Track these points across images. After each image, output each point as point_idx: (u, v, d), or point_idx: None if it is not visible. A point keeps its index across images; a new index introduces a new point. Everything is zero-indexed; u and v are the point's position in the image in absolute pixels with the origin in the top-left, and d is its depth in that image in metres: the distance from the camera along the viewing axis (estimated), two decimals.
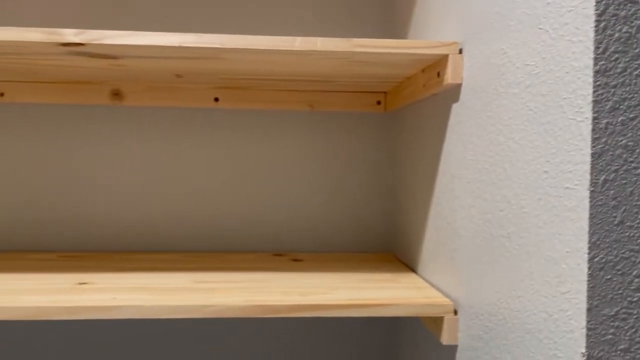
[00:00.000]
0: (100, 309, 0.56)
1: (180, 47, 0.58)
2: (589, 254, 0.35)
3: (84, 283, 0.66)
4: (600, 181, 0.35)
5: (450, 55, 0.58)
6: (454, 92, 0.60)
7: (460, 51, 0.59)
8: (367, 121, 0.92)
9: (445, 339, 0.59)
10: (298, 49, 0.57)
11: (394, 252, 0.90)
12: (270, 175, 0.91)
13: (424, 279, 0.72)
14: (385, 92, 0.90)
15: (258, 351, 0.91)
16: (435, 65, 0.63)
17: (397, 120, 0.89)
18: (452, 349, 0.61)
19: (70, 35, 0.56)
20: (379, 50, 0.59)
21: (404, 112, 0.84)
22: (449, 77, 0.58)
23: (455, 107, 0.60)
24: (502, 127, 0.48)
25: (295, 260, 0.84)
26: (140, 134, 0.89)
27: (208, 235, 0.90)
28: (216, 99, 0.88)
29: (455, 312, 0.59)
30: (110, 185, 0.89)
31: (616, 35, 0.35)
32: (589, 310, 0.35)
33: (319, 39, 0.58)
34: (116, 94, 0.87)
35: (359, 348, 0.92)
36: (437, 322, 0.61)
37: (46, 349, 0.88)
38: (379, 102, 0.90)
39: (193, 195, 0.90)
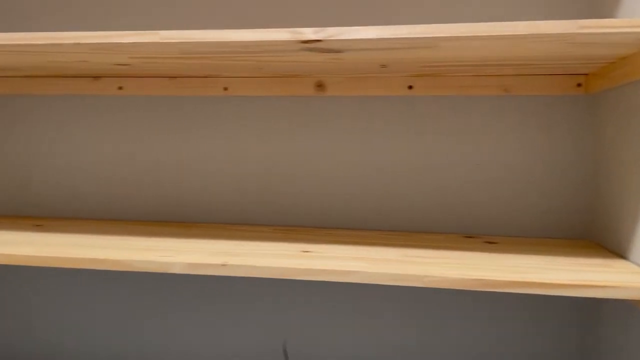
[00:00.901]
0: (336, 273, 0.64)
1: (405, 39, 0.63)
2: None
3: (308, 251, 0.75)
4: None
5: None
6: None
7: None
8: (565, 104, 0.90)
9: None
10: (522, 33, 0.59)
11: (593, 238, 0.88)
12: (463, 159, 0.94)
13: (638, 265, 0.70)
14: (586, 74, 0.87)
15: (455, 325, 0.94)
16: None
17: (601, 103, 0.86)
18: None
19: (310, 33, 0.64)
20: (605, 30, 0.58)
21: (611, 94, 0.81)
22: None
23: None
24: None
25: (489, 242, 0.86)
26: (340, 121, 0.97)
27: (399, 216, 0.96)
28: (410, 87, 0.93)
29: None
30: (314, 167, 0.98)
31: None
32: None
33: (542, 22, 0.59)
34: (319, 85, 0.96)
35: (560, 330, 0.91)
36: None
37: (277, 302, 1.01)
38: (579, 85, 0.87)
39: (386, 178, 0.96)
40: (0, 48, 0.73)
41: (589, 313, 0.90)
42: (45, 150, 1.06)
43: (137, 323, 1.04)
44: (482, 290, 0.67)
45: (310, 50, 0.70)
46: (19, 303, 1.08)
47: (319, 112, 0.98)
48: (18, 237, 0.84)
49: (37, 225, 0.95)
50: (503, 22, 0.60)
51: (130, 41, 0.68)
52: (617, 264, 0.70)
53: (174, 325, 1.03)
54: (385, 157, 0.96)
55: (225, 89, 0.99)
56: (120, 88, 1.02)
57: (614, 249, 0.78)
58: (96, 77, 1.02)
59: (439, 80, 0.92)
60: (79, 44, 0.69)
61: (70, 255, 0.71)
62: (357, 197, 0.97)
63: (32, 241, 0.80)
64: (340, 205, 0.98)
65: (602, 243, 0.84)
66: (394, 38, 0.63)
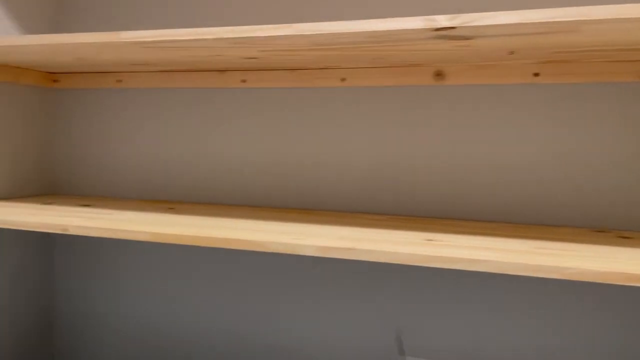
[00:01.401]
0: (466, 261, 0.64)
1: (546, 23, 0.61)
2: None
3: (431, 240, 0.76)
4: None
5: None
6: None
7: None
8: None
9: None
10: None
11: None
12: (592, 150, 0.89)
13: None
14: None
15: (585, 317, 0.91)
16: None
17: None
18: None
19: (444, 20, 0.64)
20: None
21: None
22: None
23: None
24: None
25: (623, 237, 0.81)
26: (460, 111, 0.96)
27: (524, 208, 0.93)
28: (536, 74, 0.90)
29: None
30: (433, 157, 0.98)
31: None
32: None
33: None
34: (439, 74, 0.95)
35: None
36: None
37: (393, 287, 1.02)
38: None
39: (509, 169, 0.94)
40: (147, 45, 0.80)
41: None
42: (172, 140, 1.15)
43: (250, 306, 1.10)
44: (626, 284, 0.64)
45: (440, 37, 0.70)
46: (155, 282, 1.18)
47: (437, 101, 0.97)
48: (156, 218, 0.91)
49: (170, 208, 1.03)
50: None
51: (268, 35, 0.72)
52: None
53: (284, 310, 1.08)
54: (509, 147, 0.94)
55: (343, 79, 1.01)
56: (243, 81, 1.07)
57: None
58: (222, 71, 1.09)
59: (567, 66, 0.88)
60: (220, 38, 0.74)
61: (209, 235, 0.76)
62: (479, 188, 0.96)
63: (169, 222, 0.87)
64: (460, 196, 0.97)
65: None
66: (534, 23, 0.61)
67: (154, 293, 1.18)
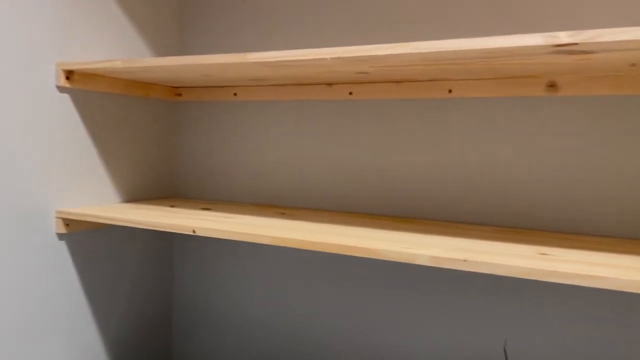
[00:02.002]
0: (584, 277, 0.64)
1: None
2: None
3: (545, 254, 0.76)
4: None
5: None
6: None
7: None
8: None
9: None
10: None
11: None
12: None
13: None
14: None
15: None
16: None
17: None
18: None
19: (565, 37, 0.65)
20: None
21: None
22: None
23: None
24: None
25: None
26: (573, 123, 0.94)
27: (635, 223, 0.90)
28: None
29: None
30: (548, 169, 0.97)
31: None
32: None
33: None
34: (551, 86, 0.94)
35: None
36: None
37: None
38: None
39: (621, 183, 0.91)
40: (270, 64, 0.87)
41: None
42: (283, 149, 1.22)
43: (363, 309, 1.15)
44: None
45: (559, 52, 0.70)
46: (270, 282, 1.26)
47: (550, 112, 0.96)
48: (272, 222, 0.98)
49: (281, 213, 1.10)
50: None
51: (384, 53, 0.76)
52: None
53: (394, 313, 1.11)
54: (629, 159, 0.91)
55: (450, 91, 1.03)
56: (350, 93, 1.12)
57: None
58: (330, 84, 1.14)
59: None
60: (339, 57, 0.79)
61: (326, 241, 0.81)
62: (591, 201, 0.94)
63: (285, 226, 0.93)
64: (573, 209, 0.95)
65: None
66: None
67: (270, 293, 1.26)
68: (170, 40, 1.31)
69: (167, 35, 1.30)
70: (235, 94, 1.25)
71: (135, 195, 1.24)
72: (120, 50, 1.17)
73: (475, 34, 1.02)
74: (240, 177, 1.28)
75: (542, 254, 0.76)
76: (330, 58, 0.80)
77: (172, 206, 1.18)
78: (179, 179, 1.35)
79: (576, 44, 0.65)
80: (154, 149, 1.29)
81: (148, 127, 1.26)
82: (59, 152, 1.06)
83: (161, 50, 1.28)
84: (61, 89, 1.06)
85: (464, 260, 0.71)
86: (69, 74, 1.06)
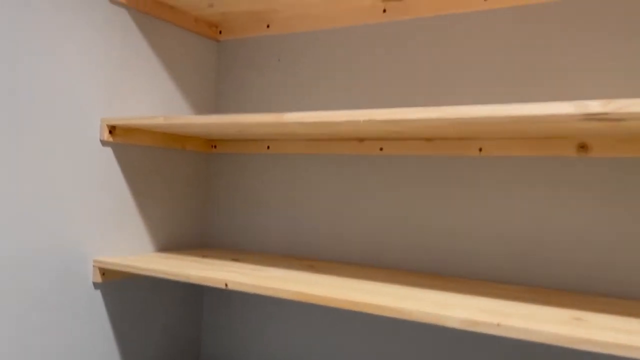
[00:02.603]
0: (623, 347, 0.63)
1: None
2: None
3: (579, 319, 0.75)
4: None
5: None
6: None
7: None
8: None
9: None
10: None
11: None
12: None
13: None
14: None
15: None
16: None
17: None
18: None
19: (597, 106, 0.66)
20: None
21: None
22: None
23: None
24: None
25: None
26: (604, 184, 0.94)
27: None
28: None
29: None
30: (578, 231, 0.97)
31: None
32: None
33: None
34: (582, 147, 0.95)
35: None
36: None
37: None
38: None
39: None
40: (305, 124, 0.90)
41: None
42: (313, 201, 1.24)
43: None
44: None
45: (590, 119, 0.71)
46: (284, 335, 1.26)
47: (580, 174, 0.96)
48: (298, 276, 0.99)
49: (310, 266, 1.11)
50: None
51: (416, 117, 0.78)
52: None
53: None
54: None
55: (480, 149, 1.04)
56: (381, 149, 1.15)
57: None
58: (361, 140, 1.17)
59: None
60: (371, 120, 0.82)
61: (352, 299, 0.82)
62: (624, 263, 0.92)
63: (311, 281, 0.94)
64: (605, 271, 0.94)
65: None
66: None
67: (295, 346, 1.25)
68: (207, 94, 1.36)
69: (204, 88, 1.35)
70: (268, 147, 1.29)
71: (169, 244, 1.27)
72: (159, 103, 1.23)
73: (500, 95, 1.04)
74: (271, 227, 1.30)
75: (576, 318, 0.75)
76: (363, 120, 0.83)
77: (204, 256, 1.21)
78: (212, 228, 1.38)
79: (607, 113, 0.66)
80: (188, 199, 1.32)
81: (183, 177, 1.31)
82: (99, 203, 1.10)
83: (198, 103, 1.33)
84: (104, 143, 1.11)
85: (498, 325, 0.71)
86: (112, 129, 1.11)
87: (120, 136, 1.12)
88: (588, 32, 0.97)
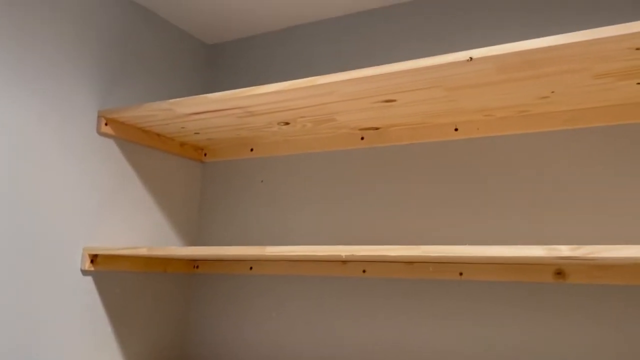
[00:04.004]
0: None
1: None
2: None
3: None
4: None
5: None
6: None
7: None
8: None
9: None
10: None
11: None
12: None
13: None
14: None
15: None
16: None
17: None
18: None
19: (567, 250, 0.69)
20: None
21: None
22: None
23: None
24: None
25: None
26: (582, 309, 0.96)
27: None
28: None
29: None
30: (547, 354, 0.96)
31: None
32: None
33: None
34: (559, 274, 0.97)
35: None
36: None
37: None
38: None
39: None
40: (287, 257, 0.92)
41: None
42: (296, 323, 1.22)
43: None
44: None
45: (564, 260, 0.74)
46: None
47: (558, 299, 0.98)
48: None
49: None
50: None
51: (398, 254, 0.80)
52: None
53: None
54: (629, 349, 0.91)
55: (461, 274, 1.06)
56: (364, 271, 1.16)
57: None
58: (344, 262, 1.18)
59: None
60: (352, 255, 0.84)
61: None
62: None
63: None
64: None
65: None
66: None
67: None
68: (191, 213, 1.38)
69: (189, 208, 1.37)
70: (251, 268, 1.29)
71: None
72: (144, 227, 1.24)
73: (475, 221, 1.07)
74: (253, 346, 1.27)
75: None
76: (345, 255, 0.84)
77: None
78: (194, 350, 1.34)
79: (576, 257, 0.69)
80: (170, 321, 1.30)
81: (165, 299, 1.29)
82: (75, 330, 1.07)
83: (183, 223, 1.35)
84: (85, 272, 1.10)
85: None
86: (94, 257, 1.11)
87: (101, 264, 1.12)
88: (560, 165, 1.03)
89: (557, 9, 1.08)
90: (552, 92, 0.92)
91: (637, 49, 0.75)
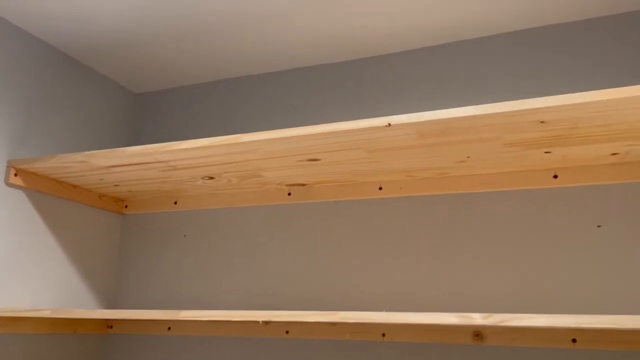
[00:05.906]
0: None
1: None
2: None
3: None
4: None
5: None
6: None
7: None
8: None
9: None
10: None
11: None
12: None
13: None
14: None
15: None
16: None
17: None
18: None
19: (479, 318, 0.70)
20: None
21: None
22: None
23: None
24: None
25: None
26: None
27: None
28: (574, 340, 0.92)
29: None
30: None
31: None
32: None
33: None
34: (477, 335, 0.98)
35: None
36: None
37: None
38: None
39: None
40: (203, 319, 0.87)
41: None
42: None
43: None
44: None
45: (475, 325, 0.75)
46: None
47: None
48: None
49: None
50: None
51: (316, 320, 0.78)
52: None
53: None
54: None
55: (383, 335, 1.05)
56: (287, 332, 1.12)
57: None
58: (267, 323, 1.14)
59: (600, 334, 0.90)
60: (271, 320, 0.81)
61: None
62: None
63: None
64: None
65: None
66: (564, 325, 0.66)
67: None
68: (109, 267, 1.31)
69: (106, 263, 1.30)
70: (169, 328, 1.22)
71: None
72: (55, 284, 1.16)
73: (399, 279, 1.08)
74: None
75: None
76: (262, 322, 0.82)
77: None
78: None
79: (489, 326, 0.70)
80: None
81: None
82: None
83: (98, 279, 1.27)
84: None
85: None
86: None
87: (2, 327, 1.03)
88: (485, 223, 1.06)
89: (474, 81, 1.14)
90: (468, 157, 0.96)
91: (542, 122, 0.79)
